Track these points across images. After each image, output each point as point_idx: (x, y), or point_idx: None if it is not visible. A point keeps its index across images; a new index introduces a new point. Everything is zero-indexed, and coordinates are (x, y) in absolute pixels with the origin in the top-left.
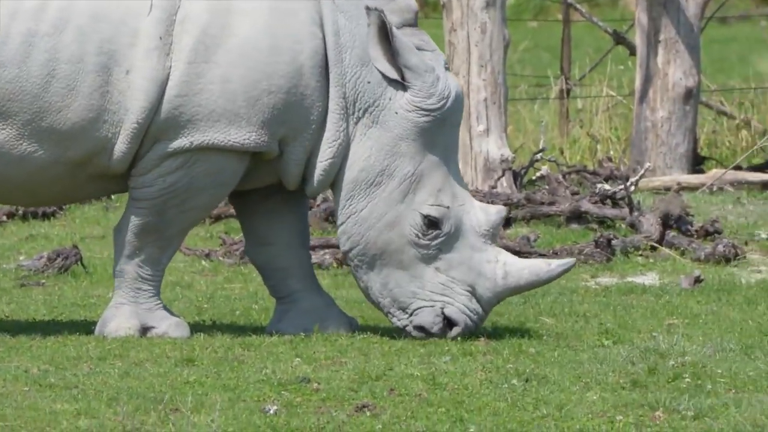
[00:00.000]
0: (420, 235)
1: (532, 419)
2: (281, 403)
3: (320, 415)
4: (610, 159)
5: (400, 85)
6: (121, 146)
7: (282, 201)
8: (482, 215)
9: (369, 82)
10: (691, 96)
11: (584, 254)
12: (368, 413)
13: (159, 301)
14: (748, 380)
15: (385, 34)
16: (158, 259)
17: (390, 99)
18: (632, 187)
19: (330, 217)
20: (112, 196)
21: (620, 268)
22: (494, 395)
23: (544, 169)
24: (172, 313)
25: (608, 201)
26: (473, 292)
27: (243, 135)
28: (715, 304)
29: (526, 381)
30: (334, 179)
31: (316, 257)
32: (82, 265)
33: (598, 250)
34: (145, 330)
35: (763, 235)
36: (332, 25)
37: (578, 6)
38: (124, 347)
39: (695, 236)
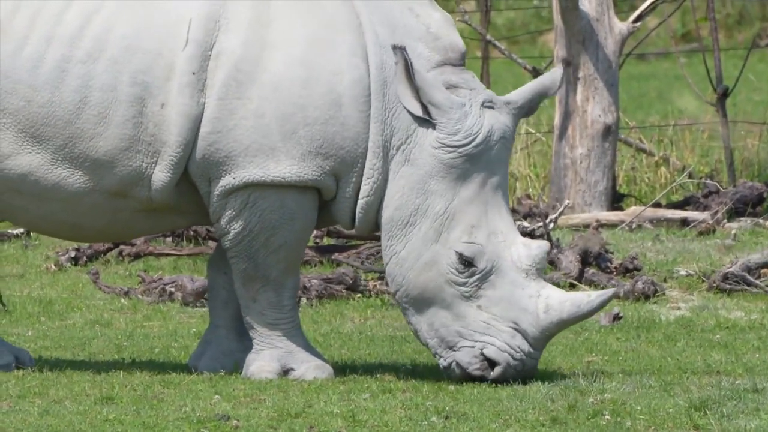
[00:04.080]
0: (456, 273)
1: None
2: None
3: None
4: (529, 196)
5: (428, 122)
6: (159, 176)
7: None
8: (523, 250)
9: (403, 120)
10: (609, 133)
11: None
12: None
13: (299, 341)
14: (668, 417)
15: (409, 72)
16: (278, 302)
17: (420, 136)
18: (551, 225)
19: None
20: (31, 234)
21: None
22: None
23: None
24: (314, 353)
25: (527, 238)
26: (518, 329)
27: (283, 169)
28: (635, 341)
29: (446, 418)
30: (376, 219)
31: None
32: (2, 303)
33: None
34: (285, 372)
35: (683, 272)
36: (376, 57)
37: (497, 43)
38: (43, 385)
39: (614, 273)
